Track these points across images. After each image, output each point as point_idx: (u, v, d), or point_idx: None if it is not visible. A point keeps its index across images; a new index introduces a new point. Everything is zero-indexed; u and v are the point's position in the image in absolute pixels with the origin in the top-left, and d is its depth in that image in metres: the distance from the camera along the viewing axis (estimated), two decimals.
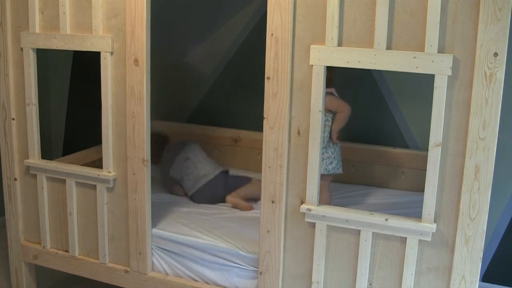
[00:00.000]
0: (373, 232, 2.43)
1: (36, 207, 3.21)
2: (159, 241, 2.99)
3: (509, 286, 3.55)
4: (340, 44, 2.33)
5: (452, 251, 2.32)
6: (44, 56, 3.25)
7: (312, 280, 2.58)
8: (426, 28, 2.19)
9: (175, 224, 3.11)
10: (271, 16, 2.41)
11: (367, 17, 2.28)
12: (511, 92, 2.74)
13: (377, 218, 2.40)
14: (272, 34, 2.42)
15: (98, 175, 2.96)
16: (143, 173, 2.85)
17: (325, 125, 3.07)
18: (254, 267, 2.78)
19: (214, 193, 3.57)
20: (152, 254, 3.00)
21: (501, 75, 2.12)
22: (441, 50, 2.19)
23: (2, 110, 3.18)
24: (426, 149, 2.29)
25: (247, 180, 3.64)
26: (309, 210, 2.49)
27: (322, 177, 2.83)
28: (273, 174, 2.55)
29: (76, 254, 3.16)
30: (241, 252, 2.83)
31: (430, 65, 2.20)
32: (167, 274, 3.00)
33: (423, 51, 2.21)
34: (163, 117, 4.28)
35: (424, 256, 2.38)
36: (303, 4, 2.37)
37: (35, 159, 3.14)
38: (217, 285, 2.88)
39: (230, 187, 3.59)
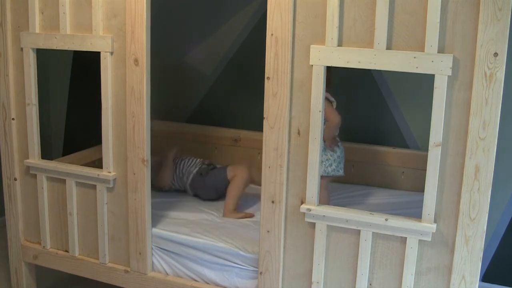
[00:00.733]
0: (373, 232, 2.43)
1: (36, 207, 3.21)
2: (159, 241, 2.99)
3: (509, 286, 3.55)
4: (340, 44, 2.33)
5: (452, 251, 2.32)
6: (44, 56, 3.24)
7: (312, 280, 2.59)
8: (426, 28, 2.19)
9: (175, 224, 3.11)
10: (271, 16, 2.41)
11: (367, 17, 2.28)
12: (511, 92, 2.74)
13: (377, 218, 2.40)
14: (272, 34, 2.42)
15: (98, 175, 2.96)
16: (143, 173, 2.85)
17: None
18: (254, 267, 2.78)
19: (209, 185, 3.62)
20: (152, 254, 3.00)
21: (501, 75, 2.12)
22: (441, 50, 2.19)
23: (2, 110, 3.18)
24: (426, 149, 2.29)
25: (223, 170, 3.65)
26: (309, 210, 2.49)
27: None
28: (273, 174, 2.55)
29: (76, 254, 3.16)
30: (241, 252, 2.83)
31: (430, 65, 2.20)
32: (167, 274, 3.00)
33: (423, 51, 2.21)
34: (163, 117, 4.28)
35: (424, 256, 2.38)
36: (303, 4, 2.37)
37: (35, 159, 3.14)
38: (217, 285, 2.88)
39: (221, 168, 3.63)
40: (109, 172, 2.94)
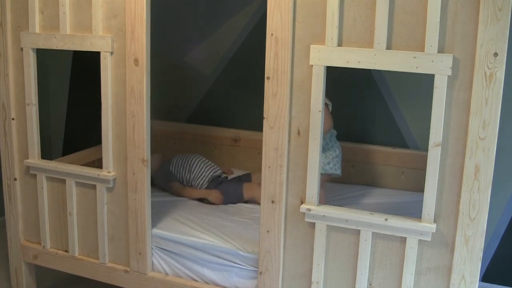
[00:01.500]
0: (373, 232, 2.43)
1: (36, 207, 3.21)
2: (159, 241, 2.99)
3: (509, 286, 3.55)
4: (340, 44, 2.33)
5: (452, 251, 2.32)
6: (44, 56, 3.25)
7: (312, 280, 2.59)
8: (426, 28, 2.19)
9: (175, 224, 3.11)
10: (271, 16, 2.41)
11: (367, 17, 2.28)
12: (511, 92, 2.74)
13: (377, 218, 2.40)
14: (272, 34, 2.42)
15: (98, 175, 2.96)
16: (143, 173, 2.85)
17: None
18: (254, 267, 2.78)
19: (226, 182, 3.63)
20: (152, 254, 3.00)
21: (501, 75, 2.12)
22: (441, 50, 2.19)
23: (2, 110, 3.18)
24: (426, 149, 2.29)
25: (249, 174, 3.65)
26: (309, 210, 2.49)
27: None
28: (273, 174, 2.55)
29: (76, 254, 3.16)
30: (241, 252, 2.83)
31: (430, 65, 2.20)
32: (167, 274, 3.00)
33: (423, 51, 2.21)
34: (163, 117, 4.28)
35: (424, 256, 2.38)
36: (303, 4, 2.37)
37: (35, 159, 3.14)
38: (217, 285, 2.88)
39: (238, 180, 3.62)
40: (109, 172, 2.94)
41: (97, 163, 3.31)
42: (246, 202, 3.54)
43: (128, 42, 2.73)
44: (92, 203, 3.05)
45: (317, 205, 2.51)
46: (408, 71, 2.25)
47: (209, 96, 4.24)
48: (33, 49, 3.02)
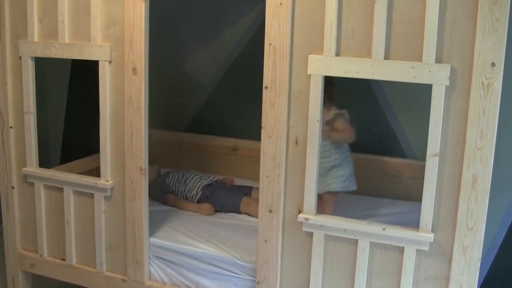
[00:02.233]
0: (370, 242, 2.43)
1: (34, 215, 3.21)
2: (157, 250, 2.98)
3: None
4: (338, 53, 2.34)
5: (450, 261, 2.32)
6: (42, 63, 3.25)
7: None
8: (424, 38, 2.20)
9: (172, 233, 3.10)
10: (269, 25, 2.41)
11: (365, 27, 2.28)
12: (509, 100, 2.74)
13: (375, 228, 2.40)
14: (270, 44, 2.43)
15: (96, 183, 2.95)
16: (141, 182, 2.85)
17: (335, 147, 3.11)
18: (252, 276, 2.78)
19: (224, 192, 3.61)
20: (150, 263, 2.99)
21: (498, 85, 2.12)
22: (438, 60, 2.20)
23: (0, 118, 3.18)
24: (424, 159, 2.29)
25: (250, 188, 3.65)
26: (307, 219, 2.49)
27: (334, 193, 2.85)
28: (270, 184, 2.55)
29: (73, 263, 3.16)
30: (239, 262, 2.82)
31: (428, 75, 2.20)
32: (165, 283, 2.99)
33: (421, 61, 2.21)
34: (162, 126, 4.28)
35: (422, 266, 2.38)
36: (301, 14, 2.37)
37: (32, 167, 3.14)
38: None
39: (238, 192, 3.61)
40: (107, 181, 2.94)
41: (95, 171, 3.31)
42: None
43: (126, 51, 2.74)
44: (89, 211, 3.04)
45: (315, 214, 2.50)
46: (406, 81, 2.25)
47: (207, 105, 4.24)
48: (31, 57, 3.03)
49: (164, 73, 4.19)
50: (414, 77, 2.23)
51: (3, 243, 3.37)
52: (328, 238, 2.51)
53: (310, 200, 2.49)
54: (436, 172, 2.26)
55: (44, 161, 3.29)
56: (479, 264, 2.28)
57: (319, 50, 2.36)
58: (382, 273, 2.46)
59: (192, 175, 3.76)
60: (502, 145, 2.91)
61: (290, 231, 2.58)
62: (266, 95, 2.48)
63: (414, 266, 2.38)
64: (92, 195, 3.00)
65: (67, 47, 2.90)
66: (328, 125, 3.06)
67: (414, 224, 2.40)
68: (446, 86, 2.19)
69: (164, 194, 3.68)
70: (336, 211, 3.14)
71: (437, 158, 2.25)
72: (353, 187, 3.20)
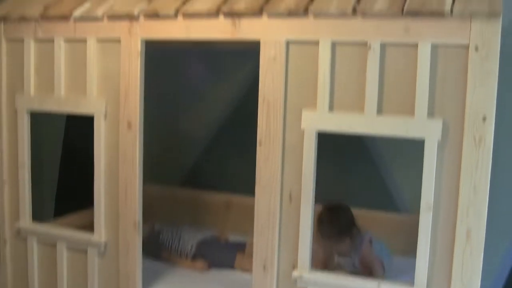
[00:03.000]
0: None
1: (26, 270, 3.16)
2: None
3: None
4: (331, 108, 2.36)
5: None
6: (37, 115, 3.26)
7: None
8: (415, 93, 2.22)
9: None
10: (263, 80, 2.44)
11: (357, 82, 2.31)
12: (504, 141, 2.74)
13: (370, 284, 2.37)
14: (264, 99, 2.45)
15: (90, 239, 2.93)
16: (135, 237, 2.82)
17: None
18: None
19: (218, 248, 3.57)
20: None
21: (490, 138, 2.14)
22: (431, 115, 2.22)
23: None
24: (418, 213, 2.28)
25: (244, 244, 3.61)
26: (301, 276, 2.46)
27: None
28: (264, 239, 2.53)
29: None
30: None
31: (421, 130, 2.22)
32: None
33: (413, 116, 2.23)
34: (156, 180, 4.27)
35: None
36: (295, 69, 2.41)
37: (26, 222, 3.11)
38: None
39: (232, 248, 3.58)
40: (101, 236, 2.91)
41: (89, 225, 3.28)
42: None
43: (121, 106, 2.75)
44: (83, 267, 3.00)
45: (310, 271, 2.47)
46: (399, 136, 2.27)
47: (202, 160, 4.24)
48: (27, 111, 3.04)
49: (158, 127, 4.20)
50: (407, 132, 2.24)
51: None
52: None
53: (304, 256, 2.46)
54: (430, 227, 2.25)
55: (38, 213, 3.27)
56: None
57: (312, 104, 2.39)
58: None
59: (186, 231, 3.73)
60: (499, 185, 2.91)
61: (285, 287, 2.54)
62: (260, 150, 2.49)
63: None
64: (85, 251, 2.97)
65: (63, 101, 2.92)
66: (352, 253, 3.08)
67: (409, 279, 2.38)
68: (439, 140, 2.21)
69: (158, 250, 3.65)
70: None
71: (431, 212, 2.24)
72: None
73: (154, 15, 2.64)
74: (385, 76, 2.28)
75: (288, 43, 2.40)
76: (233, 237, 3.86)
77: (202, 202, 4.15)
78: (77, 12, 2.82)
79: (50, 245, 3.08)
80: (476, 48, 2.12)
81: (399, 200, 3.69)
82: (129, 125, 2.74)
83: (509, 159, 2.95)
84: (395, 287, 2.34)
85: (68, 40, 2.89)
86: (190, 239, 3.64)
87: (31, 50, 2.98)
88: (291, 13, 2.37)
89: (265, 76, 2.44)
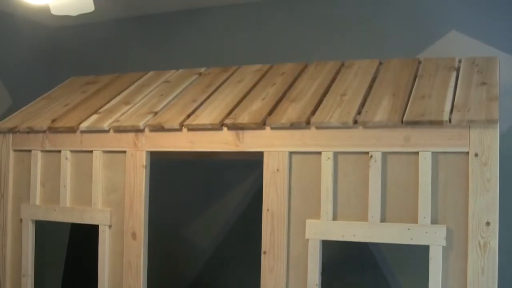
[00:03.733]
0: None
1: None
2: None
3: None
4: (335, 218, 2.38)
5: None
6: (42, 225, 3.27)
7: None
8: (418, 200, 2.24)
9: None
10: (267, 191, 2.47)
11: (360, 191, 2.34)
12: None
13: None
14: (268, 209, 2.47)
15: None
16: None
17: None
18: None
19: None
20: None
21: (495, 244, 2.14)
22: (434, 221, 2.23)
23: None
24: None
25: None
26: None
27: None
28: None
29: None
30: None
31: (424, 236, 2.23)
32: None
33: (417, 223, 2.24)
34: None
35: None
36: (298, 180, 2.44)
37: None
38: None
39: None
40: None
41: None
42: None
43: (126, 216, 2.77)
44: None
45: None
46: (403, 243, 2.27)
47: (206, 270, 4.19)
48: (32, 220, 3.05)
49: (163, 237, 4.19)
50: (411, 239, 2.25)
51: None
52: None
53: None
54: None
55: None
56: None
57: (316, 214, 2.41)
58: None
59: None
60: None
61: None
62: (264, 260, 2.49)
63: None
64: None
65: (68, 211, 2.94)
66: None
67: None
68: (443, 247, 2.21)
69: None
70: None
71: None
72: None
73: (159, 128, 2.71)
74: (387, 184, 2.31)
75: (291, 154, 2.46)
76: None
77: None
78: (84, 125, 2.90)
79: None
80: (476, 155, 2.16)
81: None
82: (134, 236, 2.75)
83: None
84: None
85: (75, 152, 2.95)
86: None
87: (38, 161, 3.03)
88: (293, 126, 2.44)
89: (269, 187, 2.47)
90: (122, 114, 2.91)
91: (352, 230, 2.33)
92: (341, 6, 3.69)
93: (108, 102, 3.10)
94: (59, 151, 2.97)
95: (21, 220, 3.09)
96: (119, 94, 3.19)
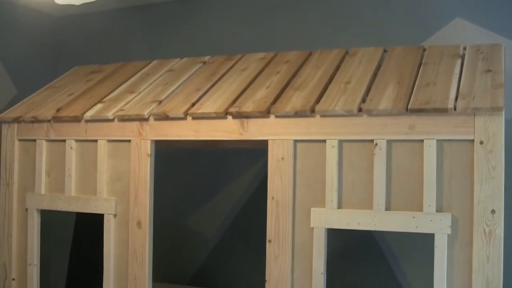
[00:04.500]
0: None
1: None
2: None
3: None
4: (340, 206, 2.38)
5: None
6: (47, 215, 3.29)
7: None
8: (423, 188, 2.24)
9: None
10: (272, 179, 2.47)
11: (365, 179, 2.34)
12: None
13: None
14: (273, 198, 2.47)
15: None
16: None
17: None
18: None
19: None
20: None
21: (500, 231, 2.13)
22: (439, 209, 2.23)
23: (3, 270, 3.17)
24: None
25: None
26: None
27: None
28: None
29: None
30: None
31: (430, 225, 2.22)
32: None
33: (422, 211, 2.24)
34: (165, 279, 4.22)
35: None
36: (303, 168, 2.44)
37: None
38: None
39: None
40: None
41: None
42: None
43: (131, 205, 2.78)
44: None
45: None
46: (408, 231, 2.27)
47: (210, 258, 4.20)
48: (37, 209, 3.07)
49: (168, 226, 4.20)
50: (416, 227, 2.25)
51: None
52: None
53: None
54: None
55: None
56: None
57: (321, 203, 2.41)
58: None
59: None
60: None
61: None
62: (269, 248, 2.49)
63: None
64: None
65: (73, 200, 2.95)
66: None
67: None
68: (448, 235, 2.20)
69: None
70: None
71: None
72: None
73: (164, 117, 2.71)
74: (392, 172, 2.30)
75: (295, 143, 2.46)
76: None
77: None
78: (89, 114, 2.90)
79: None
80: (481, 143, 2.16)
81: None
82: (139, 224, 2.76)
83: None
84: None
85: (79, 141, 2.95)
86: None
87: (43, 150, 3.04)
88: (297, 114, 2.44)
89: (273, 175, 2.47)
90: (127, 103, 2.91)
91: (357, 218, 2.33)
92: None
93: (112, 91, 3.10)
94: (64, 141, 2.98)
95: (26, 209, 3.10)
96: (123, 83, 3.19)
